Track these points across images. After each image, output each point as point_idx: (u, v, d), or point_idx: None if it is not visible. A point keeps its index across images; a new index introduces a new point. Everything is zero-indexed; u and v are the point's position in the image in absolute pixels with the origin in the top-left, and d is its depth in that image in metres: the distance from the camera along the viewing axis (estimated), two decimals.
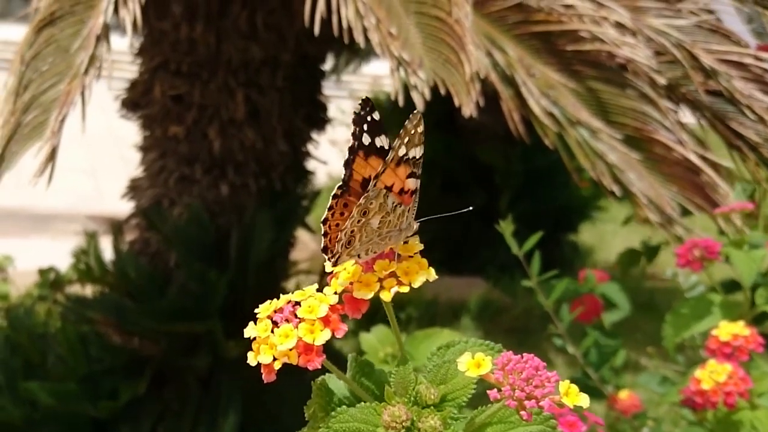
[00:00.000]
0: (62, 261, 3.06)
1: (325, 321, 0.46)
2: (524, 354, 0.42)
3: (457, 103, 1.39)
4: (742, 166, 1.70)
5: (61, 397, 2.03)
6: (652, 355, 1.95)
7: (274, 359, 0.46)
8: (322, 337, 0.45)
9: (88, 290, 2.62)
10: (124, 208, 2.56)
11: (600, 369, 1.55)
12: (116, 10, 1.53)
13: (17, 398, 2.06)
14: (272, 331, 0.46)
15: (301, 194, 2.51)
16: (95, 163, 5.62)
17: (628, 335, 2.76)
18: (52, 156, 1.45)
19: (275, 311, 0.47)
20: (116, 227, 2.42)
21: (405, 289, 0.46)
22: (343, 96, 5.40)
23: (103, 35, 1.52)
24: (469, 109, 1.37)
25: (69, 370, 2.11)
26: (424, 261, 0.48)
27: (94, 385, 2.09)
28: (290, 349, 0.45)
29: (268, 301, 0.48)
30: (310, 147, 2.52)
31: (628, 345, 2.23)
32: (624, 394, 1.48)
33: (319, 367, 0.45)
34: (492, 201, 3.90)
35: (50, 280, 3.05)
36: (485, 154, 3.88)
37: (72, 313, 2.30)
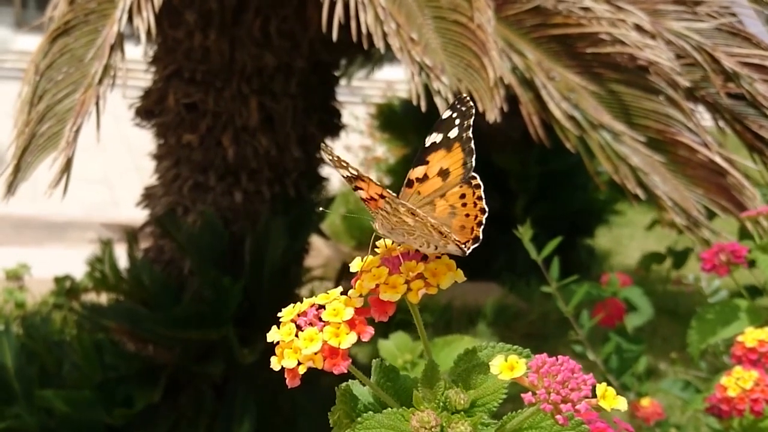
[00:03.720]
0: (77, 269, 3.07)
1: (351, 324, 0.45)
2: (559, 356, 0.41)
3: (480, 108, 1.38)
4: (763, 169, 1.68)
5: (76, 405, 2.03)
6: (675, 360, 1.93)
7: (299, 363, 0.44)
8: (348, 340, 0.44)
9: (103, 298, 2.63)
10: (139, 216, 2.57)
11: (621, 375, 1.53)
12: (130, 19, 1.53)
13: (33, 406, 2.06)
14: (296, 335, 0.45)
15: (315, 201, 2.50)
16: (110, 172, 5.64)
17: (649, 340, 2.74)
18: (67, 167, 1.45)
19: (299, 315, 0.46)
20: (131, 235, 2.42)
21: (433, 291, 0.45)
22: (356, 102, 5.41)
23: (118, 44, 1.52)
24: (493, 115, 1.36)
25: (84, 378, 2.11)
26: (452, 262, 0.47)
27: (109, 392, 2.08)
28: (315, 353, 0.44)
29: (291, 305, 0.47)
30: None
31: (648, 350, 2.20)
32: (646, 402, 1.45)
33: (345, 371, 0.44)
34: (507, 205, 3.88)
35: (66, 288, 3.06)
36: (501, 159, 3.86)
37: (87, 321, 2.30)
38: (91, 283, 2.64)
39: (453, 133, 0.52)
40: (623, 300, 1.70)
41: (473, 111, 0.52)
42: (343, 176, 0.49)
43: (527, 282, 3.63)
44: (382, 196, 0.49)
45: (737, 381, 0.93)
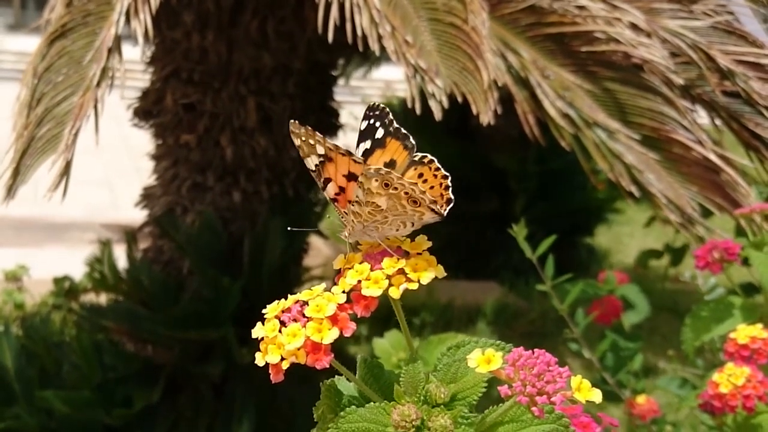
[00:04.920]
0: (77, 270, 3.08)
1: (333, 320, 0.45)
2: (535, 350, 0.41)
3: (475, 111, 1.39)
4: (760, 167, 1.68)
5: (75, 405, 2.03)
6: (672, 358, 1.93)
7: (282, 359, 0.45)
8: (330, 335, 0.44)
9: (103, 298, 2.63)
10: (139, 216, 2.57)
11: (617, 373, 1.53)
12: (128, 21, 1.53)
13: (33, 407, 2.06)
14: (280, 331, 0.46)
15: (314, 200, 2.50)
16: (110, 173, 5.65)
17: (648, 337, 2.74)
18: (66, 169, 1.45)
19: (283, 311, 0.47)
20: (130, 235, 2.43)
21: (414, 286, 0.45)
22: (355, 102, 5.41)
23: (115, 47, 1.52)
24: (487, 117, 1.37)
25: (83, 378, 2.11)
26: (433, 258, 0.47)
27: (109, 392, 2.09)
28: (298, 349, 0.44)
29: (276, 302, 0.48)
30: None
31: (647, 347, 2.20)
32: (642, 399, 1.46)
33: (328, 366, 0.45)
34: (506, 204, 3.88)
35: (65, 289, 3.07)
36: (499, 159, 3.87)
37: (86, 322, 2.31)
38: (91, 284, 2.65)
39: (379, 134, 0.54)
40: (620, 298, 1.71)
41: (388, 110, 0.54)
42: (311, 169, 0.51)
43: (526, 281, 3.63)
44: (352, 177, 0.50)
45: (729, 377, 0.93)
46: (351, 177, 0.51)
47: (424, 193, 0.49)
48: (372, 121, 0.54)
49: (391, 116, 0.54)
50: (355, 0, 1.47)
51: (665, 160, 1.48)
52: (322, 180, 0.51)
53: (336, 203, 0.52)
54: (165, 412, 2.13)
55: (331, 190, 0.51)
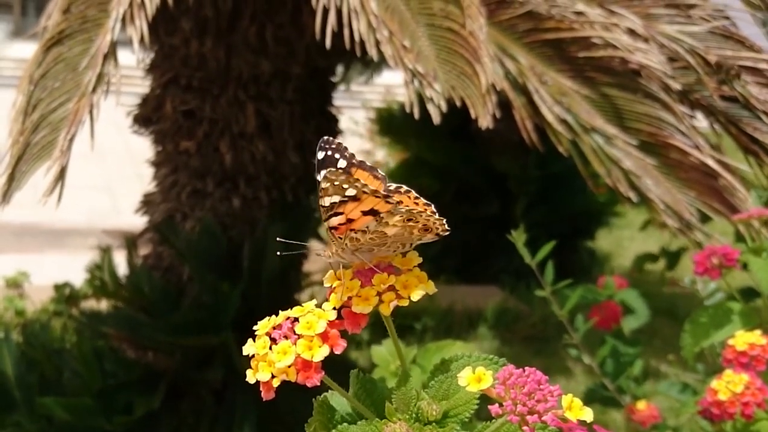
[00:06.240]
0: (78, 276, 3.08)
1: (324, 337, 0.45)
2: (526, 368, 0.41)
3: (473, 115, 1.39)
4: (758, 172, 1.68)
5: (76, 412, 2.04)
6: (673, 362, 1.93)
7: (273, 377, 0.45)
8: (320, 353, 0.44)
9: (103, 305, 2.64)
10: (141, 221, 2.58)
11: (617, 378, 1.53)
12: (124, 27, 1.54)
13: (33, 414, 2.07)
14: (270, 348, 0.46)
15: (313, 206, 2.50)
16: (111, 179, 5.66)
17: (648, 342, 2.73)
18: (61, 175, 1.46)
19: (274, 328, 0.47)
20: (130, 242, 2.43)
21: (404, 303, 0.45)
22: (356, 106, 5.41)
23: (111, 53, 1.52)
24: (485, 121, 1.37)
25: (84, 385, 2.11)
26: (423, 274, 0.47)
27: (109, 399, 2.09)
28: (288, 366, 0.44)
29: (267, 318, 0.48)
30: None
31: (647, 352, 2.19)
32: (642, 405, 1.45)
33: (318, 384, 0.44)
34: (507, 208, 3.88)
35: (66, 296, 3.07)
36: (500, 162, 3.87)
37: (87, 328, 2.31)
38: (91, 290, 2.65)
39: (342, 164, 0.52)
40: (620, 303, 1.70)
41: (343, 144, 0.53)
42: (324, 205, 0.49)
43: (527, 285, 3.63)
44: (372, 212, 0.48)
45: (728, 385, 0.93)
46: (370, 212, 0.49)
47: (437, 220, 0.49)
48: (329, 153, 0.53)
49: (349, 149, 0.53)
50: (353, 5, 1.47)
51: (663, 165, 1.48)
52: (331, 212, 0.49)
53: (334, 230, 0.50)
54: (166, 418, 2.13)
55: (335, 221, 0.50)
